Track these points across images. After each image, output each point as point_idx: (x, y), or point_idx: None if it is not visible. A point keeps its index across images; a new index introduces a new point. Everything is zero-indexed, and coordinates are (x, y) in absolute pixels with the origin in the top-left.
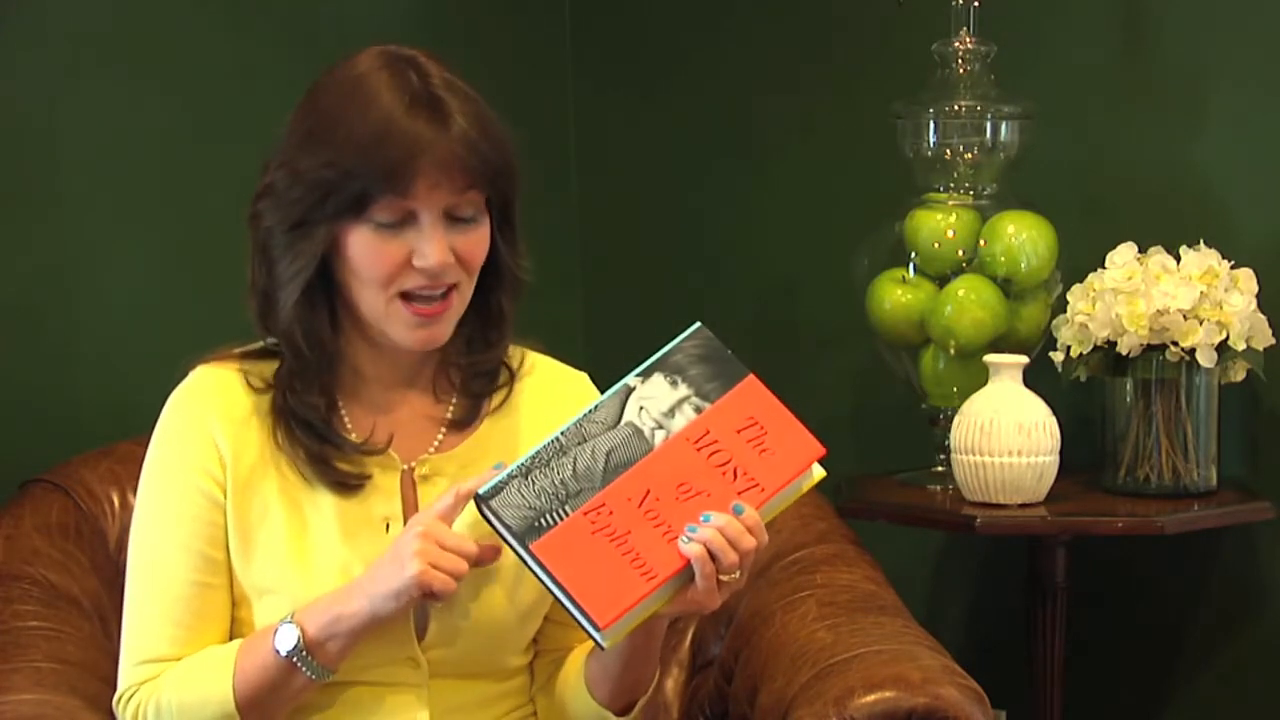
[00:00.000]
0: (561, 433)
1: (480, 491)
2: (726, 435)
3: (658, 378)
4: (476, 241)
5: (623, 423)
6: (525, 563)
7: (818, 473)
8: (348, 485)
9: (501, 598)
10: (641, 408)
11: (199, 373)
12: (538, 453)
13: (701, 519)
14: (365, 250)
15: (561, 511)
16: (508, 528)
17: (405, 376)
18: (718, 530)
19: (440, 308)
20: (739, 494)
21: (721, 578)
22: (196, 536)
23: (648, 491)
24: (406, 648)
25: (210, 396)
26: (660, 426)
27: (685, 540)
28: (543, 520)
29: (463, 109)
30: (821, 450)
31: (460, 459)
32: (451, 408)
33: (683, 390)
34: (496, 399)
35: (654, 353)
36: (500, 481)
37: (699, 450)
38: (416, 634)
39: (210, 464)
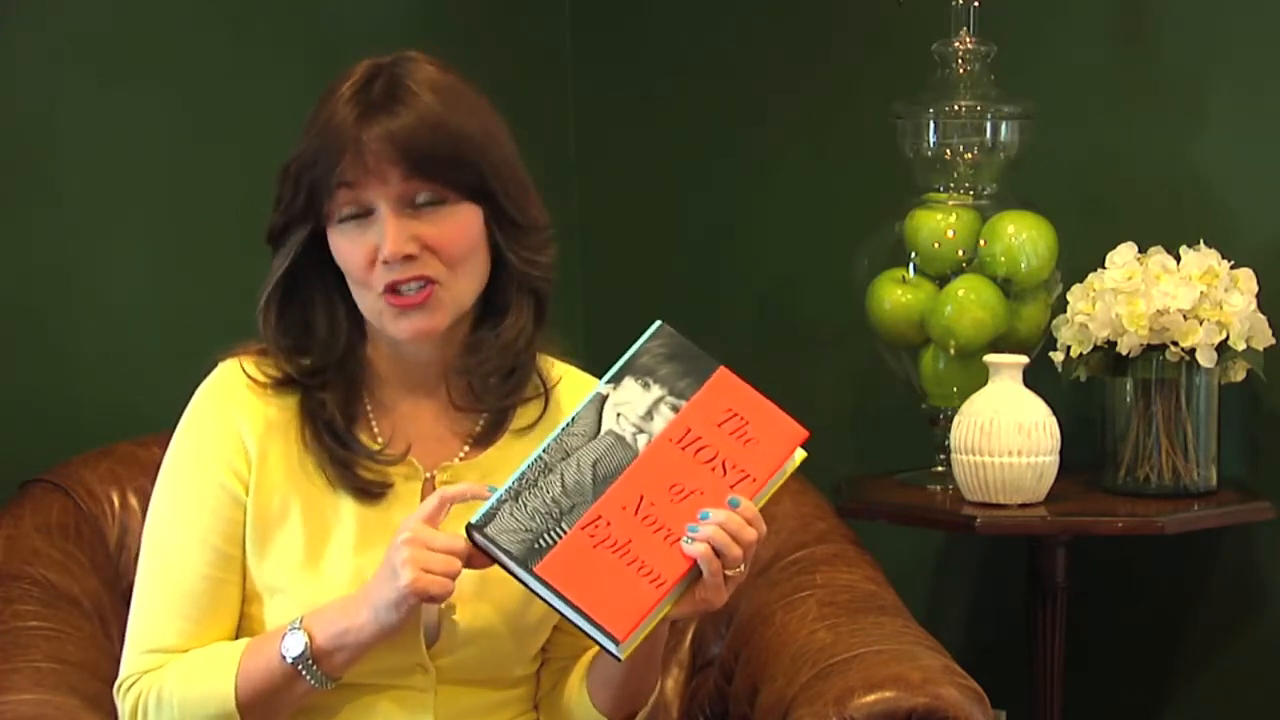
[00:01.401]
0: (544, 450)
1: (472, 520)
2: (708, 430)
3: (629, 381)
4: (445, 231)
5: (603, 432)
6: (530, 587)
7: (800, 455)
8: (370, 493)
9: (511, 607)
10: (619, 414)
11: (228, 367)
12: (523, 474)
13: (700, 517)
14: (339, 249)
15: (558, 530)
16: (507, 553)
17: (420, 378)
18: (719, 527)
19: (419, 297)
20: (732, 487)
21: (727, 573)
22: (214, 531)
23: (641, 497)
24: (415, 654)
25: (239, 392)
26: (641, 431)
27: (688, 541)
28: (541, 541)
29: (413, 102)
30: (804, 433)
31: (482, 467)
32: (480, 424)
33: (656, 391)
34: (531, 413)
35: (622, 358)
36: (491, 508)
37: (684, 449)
38: (426, 641)
39: (236, 460)
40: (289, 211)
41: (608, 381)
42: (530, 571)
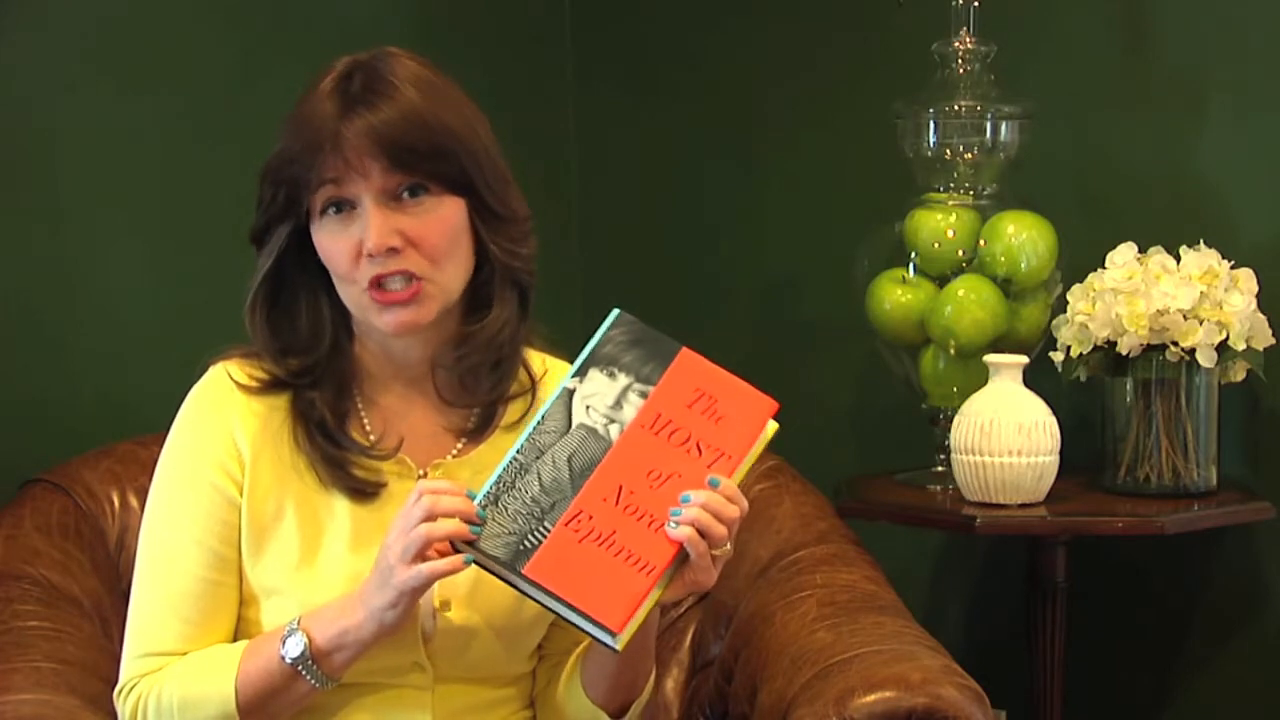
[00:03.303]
0: (517, 451)
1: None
2: (679, 413)
3: (594, 373)
4: (425, 224)
5: (574, 426)
6: (520, 589)
7: (772, 426)
8: (364, 493)
9: (506, 604)
10: (588, 406)
11: (220, 369)
12: (499, 477)
13: (681, 500)
14: (324, 245)
15: (542, 529)
16: (494, 559)
17: (409, 373)
18: (701, 508)
19: (405, 294)
20: (709, 467)
21: (714, 552)
22: (210, 533)
23: (620, 487)
24: (412, 653)
25: (232, 394)
26: (612, 421)
27: (673, 525)
28: (526, 542)
29: (393, 95)
30: (774, 405)
31: (474, 464)
32: (472, 420)
33: (622, 380)
34: (519, 409)
35: (584, 350)
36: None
37: (657, 434)
38: (423, 640)
39: (229, 462)
40: (270, 210)
41: (573, 375)
42: (519, 573)
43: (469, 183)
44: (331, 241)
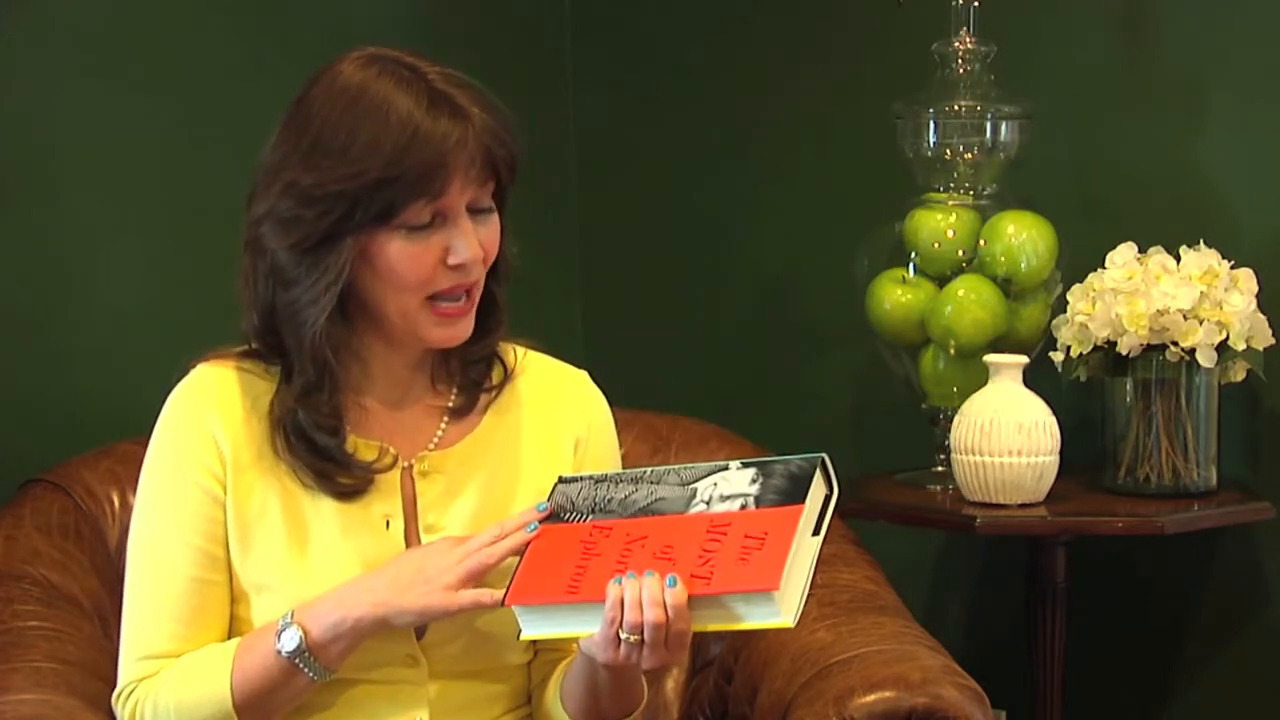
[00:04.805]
0: (652, 469)
1: (562, 475)
2: (737, 534)
3: (753, 473)
4: (494, 231)
5: (689, 486)
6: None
7: (782, 621)
8: (350, 493)
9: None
10: (716, 484)
11: (199, 371)
12: (623, 472)
13: (644, 573)
14: (399, 257)
15: (584, 518)
16: (545, 507)
17: (413, 369)
18: (639, 587)
19: (466, 307)
20: (690, 574)
21: (620, 633)
22: (197, 532)
23: (644, 538)
24: (405, 645)
25: (210, 394)
26: (706, 504)
27: (615, 581)
28: (565, 516)
29: (474, 100)
30: (772, 586)
31: (458, 456)
32: (452, 398)
33: (752, 490)
34: (491, 396)
35: (770, 458)
36: (580, 475)
37: (709, 531)
38: (416, 632)
39: (210, 460)
40: (342, 223)
41: (744, 464)
42: (536, 525)
43: (509, 188)
44: (413, 251)
